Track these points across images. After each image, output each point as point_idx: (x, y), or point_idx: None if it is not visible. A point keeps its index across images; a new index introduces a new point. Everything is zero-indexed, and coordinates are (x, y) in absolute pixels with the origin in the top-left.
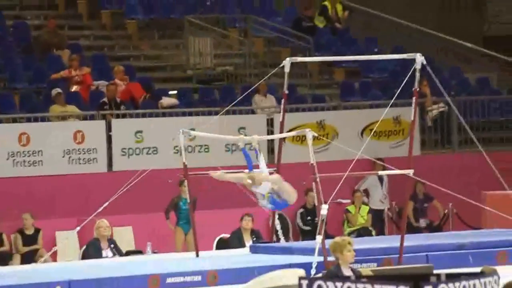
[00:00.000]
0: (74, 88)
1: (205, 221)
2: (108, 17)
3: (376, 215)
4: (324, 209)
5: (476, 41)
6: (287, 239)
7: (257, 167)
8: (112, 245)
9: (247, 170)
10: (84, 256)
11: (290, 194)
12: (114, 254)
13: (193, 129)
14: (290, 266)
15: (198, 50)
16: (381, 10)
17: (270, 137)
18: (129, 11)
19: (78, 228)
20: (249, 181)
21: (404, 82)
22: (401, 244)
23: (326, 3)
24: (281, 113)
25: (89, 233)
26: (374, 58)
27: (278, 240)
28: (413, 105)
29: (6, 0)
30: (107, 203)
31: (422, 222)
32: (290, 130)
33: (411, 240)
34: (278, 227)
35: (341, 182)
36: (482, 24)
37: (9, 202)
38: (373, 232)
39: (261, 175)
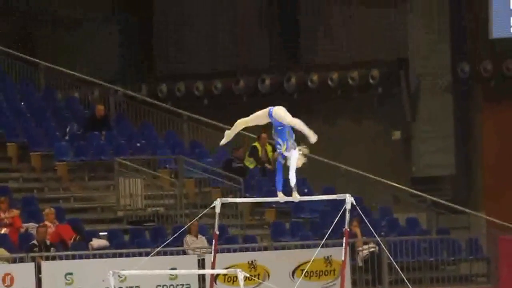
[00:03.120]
0: (3, 230)
1: None
2: (38, 160)
3: None
4: None
5: (404, 182)
6: None
7: None
8: None
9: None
10: None
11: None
12: None
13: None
14: None
15: (128, 191)
16: (310, 151)
17: (201, 272)
18: (59, 153)
19: None
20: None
21: (335, 222)
22: None
23: (256, 144)
24: (212, 254)
25: None
26: (305, 199)
27: None
28: (344, 245)
29: None
30: None
31: None
32: None
33: None
34: None
35: None
36: (409, 164)
37: None
38: None
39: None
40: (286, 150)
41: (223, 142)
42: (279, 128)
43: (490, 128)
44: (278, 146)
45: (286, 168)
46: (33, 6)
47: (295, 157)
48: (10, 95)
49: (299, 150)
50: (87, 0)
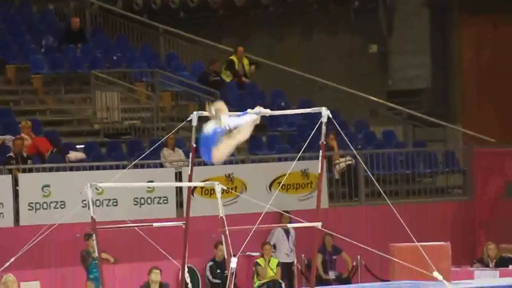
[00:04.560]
0: None
1: (114, 275)
2: (13, 72)
3: (286, 267)
4: (233, 262)
5: (380, 95)
6: None
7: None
8: None
9: None
10: None
11: (216, 154)
12: None
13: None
14: None
15: (105, 104)
16: (287, 65)
17: (178, 184)
18: (34, 66)
19: None
20: (212, 111)
21: (311, 135)
22: None
23: (232, 57)
24: (190, 167)
25: None
26: (281, 113)
27: None
28: (320, 158)
29: None
30: (13, 258)
31: (331, 274)
32: None
33: None
34: (188, 280)
35: (250, 235)
36: (386, 78)
37: None
38: (283, 285)
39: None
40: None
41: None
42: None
43: (467, 41)
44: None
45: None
46: None
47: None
48: None
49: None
50: None
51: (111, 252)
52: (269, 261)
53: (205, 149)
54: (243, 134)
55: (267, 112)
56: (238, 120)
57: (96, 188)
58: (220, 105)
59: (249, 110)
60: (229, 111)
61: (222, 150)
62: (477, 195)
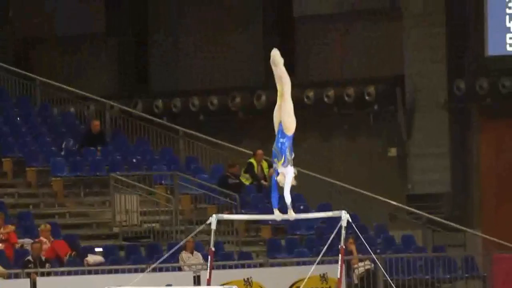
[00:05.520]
0: None
1: None
2: (34, 175)
3: None
4: None
5: (400, 199)
6: None
7: None
8: None
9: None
10: None
11: (287, 122)
12: None
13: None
14: None
15: (124, 207)
16: (306, 168)
17: None
18: (54, 169)
19: None
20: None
21: (331, 239)
22: None
23: (251, 160)
24: (208, 270)
25: None
26: (301, 216)
27: None
28: (340, 262)
29: None
30: None
31: None
32: None
33: None
34: None
35: None
36: (405, 181)
37: None
38: None
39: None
40: (282, 164)
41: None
42: (281, 140)
43: (486, 145)
44: (275, 160)
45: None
46: (31, 24)
47: (290, 174)
48: (6, 110)
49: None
50: (84, 20)
51: None
52: None
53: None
54: (287, 85)
55: (292, 216)
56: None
57: None
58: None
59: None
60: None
61: (288, 115)
62: None
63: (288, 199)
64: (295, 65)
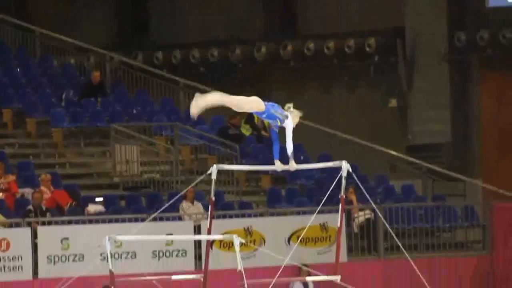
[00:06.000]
0: None
1: None
2: (34, 125)
3: None
4: None
5: (400, 149)
6: None
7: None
8: None
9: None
10: None
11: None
12: None
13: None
14: None
15: (124, 157)
16: (306, 119)
17: (197, 237)
18: (55, 119)
19: None
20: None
21: (331, 189)
22: None
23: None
24: (208, 220)
25: None
26: (302, 167)
27: None
28: (340, 212)
29: None
30: None
31: None
32: None
33: None
34: None
35: None
36: (405, 132)
37: None
38: None
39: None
40: (281, 123)
41: (193, 111)
42: (263, 116)
43: (487, 96)
44: (274, 123)
45: (282, 135)
46: None
47: (290, 126)
48: (6, 61)
49: (291, 111)
50: None
51: None
52: None
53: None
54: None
55: (293, 167)
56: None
57: (114, 241)
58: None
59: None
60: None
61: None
62: (497, 250)
63: (290, 148)
64: (295, 17)
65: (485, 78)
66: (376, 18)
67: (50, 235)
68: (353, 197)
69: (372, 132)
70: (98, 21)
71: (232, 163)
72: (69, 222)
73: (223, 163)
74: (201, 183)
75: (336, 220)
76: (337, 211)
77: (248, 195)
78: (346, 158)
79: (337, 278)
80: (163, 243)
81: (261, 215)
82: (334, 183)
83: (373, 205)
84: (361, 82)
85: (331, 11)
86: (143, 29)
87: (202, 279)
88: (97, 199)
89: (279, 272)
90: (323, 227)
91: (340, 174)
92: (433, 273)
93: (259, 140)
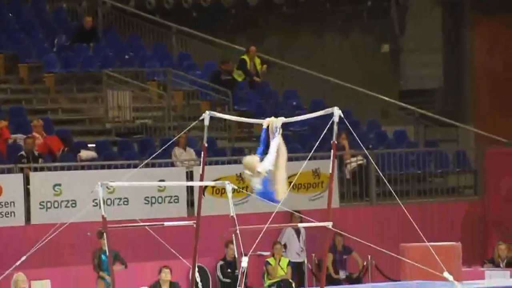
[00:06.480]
0: None
1: (125, 274)
2: (26, 71)
3: (296, 267)
4: (244, 262)
5: (392, 95)
6: None
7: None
8: None
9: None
10: None
11: (279, 190)
12: None
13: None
14: None
15: (117, 103)
16: (299, 64)
17: (190, 183)
18: (47, 64)
19: None
20: (248, 172)
21: (323, 135)
22: None
23: (244, 57)
24: (201, 166)
25: (7, 287)
26: (295, 119)
27: None
28: (332, 157)
29: None
30: (24, 257)
31: (342, 274)
32: None
33: None
34: (198, 279)
35: (261, 235)
36: (398, 78)
37: None
38: (293, 284)
39: (260, 165)
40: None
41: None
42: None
43: (480, 41)
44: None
45: None
46: None
47: (276, 142)
48: None
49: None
50: None
51: (122, 251)
52: (279, 261)
53: (268, 197)
54: (283, 156)
55: (282, 120)
56: (270, 157)
57: (107, 187)
58: (249, 163)
59: (264, 122)
60: (240, 110)
61: (281, 184)
62: (488, 195)
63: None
64: None
65: (478, 22)
66: None
67: (43, 181)
68: (345, 143)
69: (365, 77)
70: None
71: (224, 109)
72: (62, 168)
73: (215, 109)
74: (193, 129)
75: (328, 166)
76: (330, 157)
77: (240, 141)
78: (338, 104)
79: (329, 224)
80: (155, 189)
81: None
82: (326, 128)
83: (365, 151)
84: (354, 27)
85: None
86: None
87: (194, 225)
88: (90, 145)
89: (270, 218)
90: (316, 173)
91: (332, 120)
92: (425, 218)
93: (251, 86)
